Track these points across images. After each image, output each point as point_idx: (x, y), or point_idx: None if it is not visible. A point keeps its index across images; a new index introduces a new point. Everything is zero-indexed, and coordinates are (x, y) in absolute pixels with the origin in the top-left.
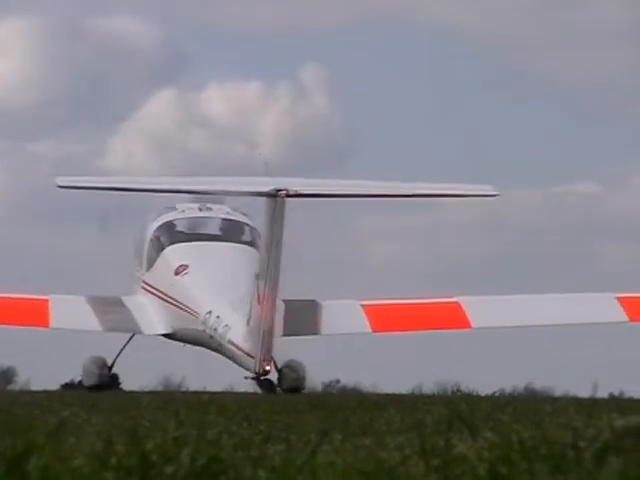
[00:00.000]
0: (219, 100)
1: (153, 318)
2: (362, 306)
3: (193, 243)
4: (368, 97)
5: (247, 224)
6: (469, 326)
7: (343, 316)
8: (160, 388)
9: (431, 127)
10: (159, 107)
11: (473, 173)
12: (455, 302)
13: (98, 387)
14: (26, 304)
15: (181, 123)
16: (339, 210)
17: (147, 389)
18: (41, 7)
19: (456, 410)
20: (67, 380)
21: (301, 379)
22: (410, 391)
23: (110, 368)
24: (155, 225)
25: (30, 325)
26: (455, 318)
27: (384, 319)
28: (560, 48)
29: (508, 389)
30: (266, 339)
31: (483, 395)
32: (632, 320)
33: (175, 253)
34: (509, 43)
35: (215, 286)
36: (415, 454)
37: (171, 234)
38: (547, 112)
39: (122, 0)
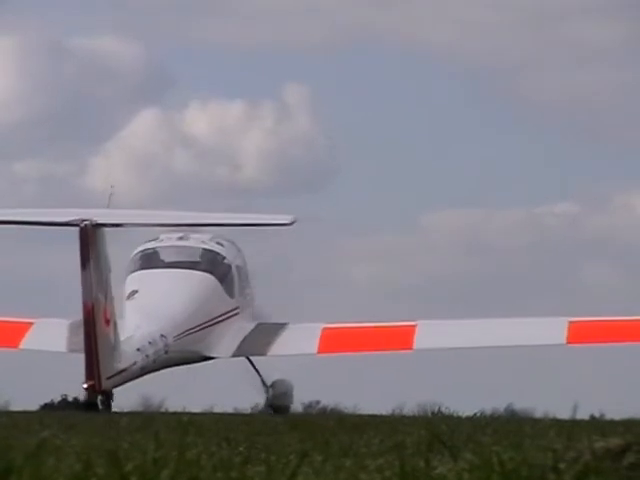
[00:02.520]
0: (202, 119)
1: None
2: (322, 329)
3: (148, 271)
4: (351, 116)
5: (215, 253)
6: (411, 348)
7: (297, 338)
8: (139, 409)
9: (414, 147)
10: (142, 126)
11: (455, 192)
12: (412, 326)
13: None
14: (7, 327)
15: (164, 142)
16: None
17: (126, 410)
18: (25, 26)
19: (436, 432)
20: (46, 401)
21: (286, 398)
22: (390, 412)
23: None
24: (133, 254)
25: (1, 346)
26: (401, 340)
27: (333, 341)
28: (541, 68)
29: (488, 410)
30: (94, 358)
31: (464, 416)
32: (569, 342)
33: (132, 280)
34: (492, 63)
35: (145, 307)
36: (395, 476)
37: (139, 262)
38: (531, 132)
39: (106, 20)
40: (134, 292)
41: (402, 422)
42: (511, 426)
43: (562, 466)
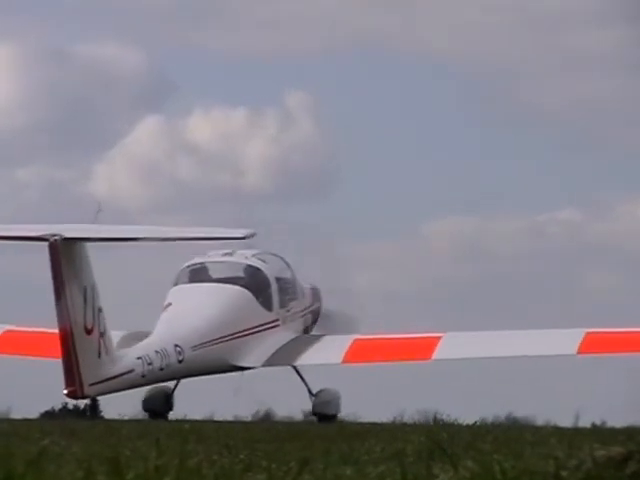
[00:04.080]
0: (205, 127)
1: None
2: (354, 340)
3: (186, 285)
4: (354, 124)
5: (255, 268)
6: (430, 358)
7: (326, 349)
8: (140, 416)
9: (416, 154)
10: (145, 133)
11: (457, 200)
12: (438, 337)
13: (157, 413)
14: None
15: (167, 150)
16: None
17: (127, 417)
18: (27, 33)
19: (437, 439)
20: (47, 408)
21: (329, 407)
22: (391, 420)
23: (169, 398)
24: (179, 269)
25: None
26: (423, 351)
27: (359, 352)
28: (544, 74)
29: (489, 418)
30: (72, 366)
31: (464, 424)
32: (579, 353)
33: (171, 293)
34: (494, 70)
35: (170, 318)
36: None
37: (181, 277)
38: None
39: (108, 27)
40: (168, 305)
41: (403, 430)
42: (512, 434)
43: (564, 474)
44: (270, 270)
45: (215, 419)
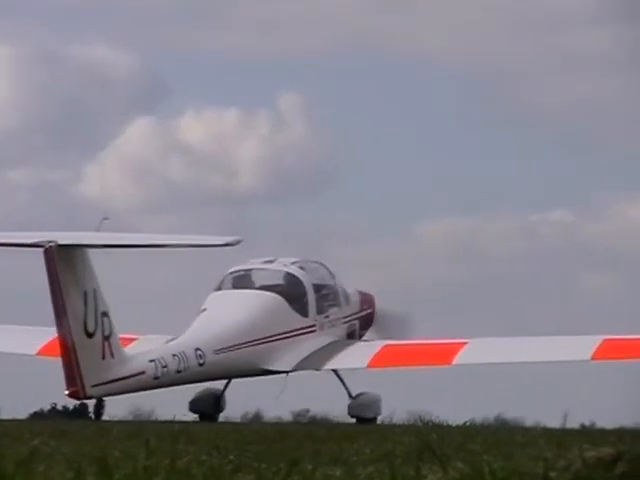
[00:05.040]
0: (197, 127)
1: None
2: (384, 346)
3: (222, 291)
4: (347, 124)
5: (292, 275)
6: (450, 363)
7: (354, 353)
8: (130, 417)
9: (410, 155)
10: (137, 134)
11: (451, 201)
12: (463, 343)
13: (205, 415)
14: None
15: (159, 150)
16: None
17: (117, 418)
18: (19, 34)
19: (426, 440)
20: (36, 409)
21: (366, 410)
22: (381, 421)
23: (219, 400)
24: (222, 275)
25: None
26: (445, 356)
27: (384, 357)
28: (539, 75)
29: (478, 419)
30: (72, 367)
31: (454, 425)
32: (593, 358)
33: (208, 299)
34: (490, 71)
35: (199, 324)
36: None
37: (220, 284)
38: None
39: (101, 29)
40: (203, 310)
41: (392, 431)
42: (501, 435)
43: (553, 475)
44: (308, 277)
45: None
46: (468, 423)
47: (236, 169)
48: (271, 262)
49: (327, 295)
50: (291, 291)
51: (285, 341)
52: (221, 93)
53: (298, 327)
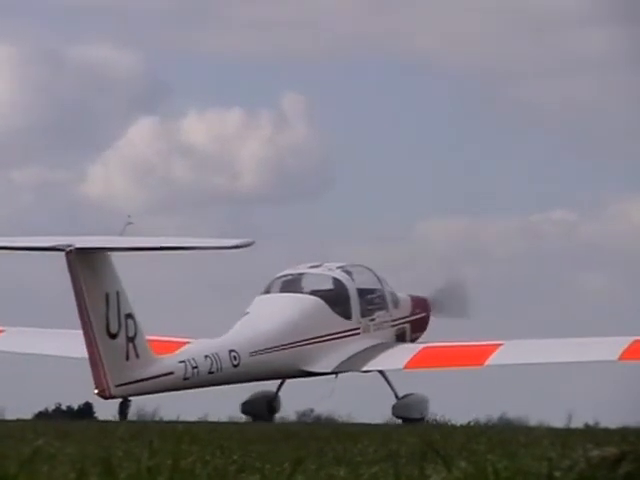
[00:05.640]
0: (200, 128)
1: None
2: (422, 348)
3: (266, 295)
4: (349, 125)
5: (336, 279)
6: (482, 364)
7: (394, 355)
8: (133, 418)
9: (411, 155)
10: (140, 135)
11: (452, 201)
12: (498, 344)
13: (258, 417)
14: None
15: (162, 151)
16: None
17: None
18: (22, 35)
19: (430, 440)
20: (41, 409)
21: (410, 410)
22: (385, 421)
23: (272, 401)
24: (270, 279)
25: None
26: (479, 357)
27: (422, 359)
28: (539, 75)
29: (482, 419)
30: (97, 367)
31: (457, 425)
32: (621, 359)
33: (253, 303)
34: (489, 72)
35: (239, 326)
36: None
37: (266, 288)
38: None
39: (104, 29)
40: (246, 314)
41: (396, 431)
42: (505, 435)
43: (557, 475)
44: (352, 282)
45: (209, 420)
46: (472, 423)
47: (239, 170)
48: (317, 267)
49: (372, 299)
50: (334, 295)
51: (326, 343)
52: (224, 94)
53: (340, 330)
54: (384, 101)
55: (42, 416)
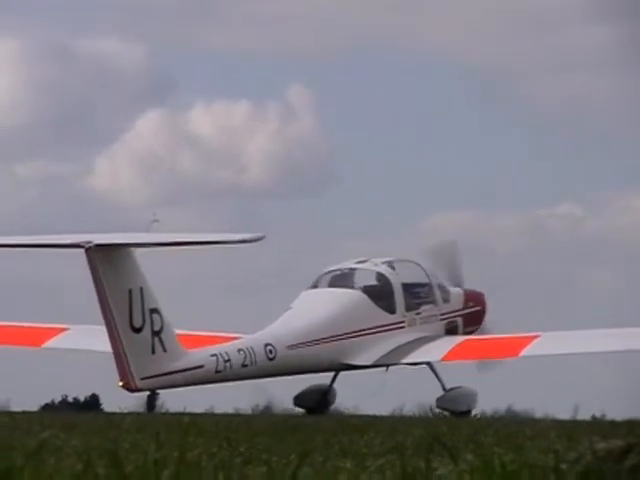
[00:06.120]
0: (206, 121)
1: None
2: (463, 340)
3: (310, 290)
4: (356, 118)
5: (380, 274)
6: (517, 355)
7: (434, 348)
8: (140, 410)
9: (417, 150)
10: (147, 128)
11: (458, 196)
12: (535, 336)
13: (311, 410)
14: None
15: (169, 144)
16: None
17: (127, 410)
18: (28, 29)
19: (436, 433)
20: (47, 401)
21: (455, 403)
22: (390, 413)
23: (325, 394)
24: (318, 274)
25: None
26: (514, 348)
27: (460, 351)
28: (544, 71)
29: (489, 411)
30: (121, 360)
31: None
32: None
33: (298, 298)
34: (494, 68)
35: (280, 321)
36: (396, 477)
37: (312, 283)
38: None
39: (109, 22)
40: (289, 308)
41: (403, 423)
42: (512, 427)
43: (564, 467)
44: (396, 276)
45: (215, 412)
46: (478, 415)
47: (245, 163)
48: (363, 262)
49: (419, 293)
50: (378, 289)
51: (369, 337)
52: (231, 87)
53: (384, 323)
54: (391, 95)
55: (48, 408)
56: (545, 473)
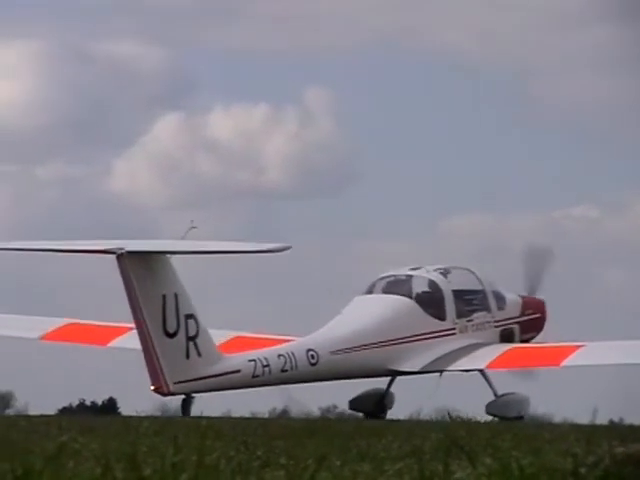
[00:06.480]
0: (225, 123)
1: None
2: (509, 348)
3: (361, 296)
4: (374, 120)
5: (431, 281)
6: (559, 364)
7: (480, 355)
8: (158, 413)
9: (435, 152)
10: (165, 130)
11: (475, 198)
12: (578, 346)
13: (368, 414)
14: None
15: (187, 147)
16: None
17: (144, 414)
18: (47, 31)
19: (454, 436)
20: (65, 404)
21: (505, 409)
22: (408, 417)
23: (382, 399)
24: (372, 280)
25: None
26: (557, 358)
27: (505, 359)
28: (559, 71)
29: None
30: (153, 365)
31: (482, 421)
32: None
33: (349, 303)
34: (510, 68)
35: (326, 327)
36: None
37: (365, 289)
38: (546, 135)
39: (128, 24)
40: (339, 314)
41: (421, 427)
42: (530, 431)
43: (582, 471)
44: (448, 283)
45: (232, 416)
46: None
47: (263, 165)
48: (416, 269)
49: (471, 300)
50: (428, 296)
51: (417, 343)
52: (249, 89)
53: (433, 330)
54: (409, 97)
55: (66, 411)
56: (564, 476)
